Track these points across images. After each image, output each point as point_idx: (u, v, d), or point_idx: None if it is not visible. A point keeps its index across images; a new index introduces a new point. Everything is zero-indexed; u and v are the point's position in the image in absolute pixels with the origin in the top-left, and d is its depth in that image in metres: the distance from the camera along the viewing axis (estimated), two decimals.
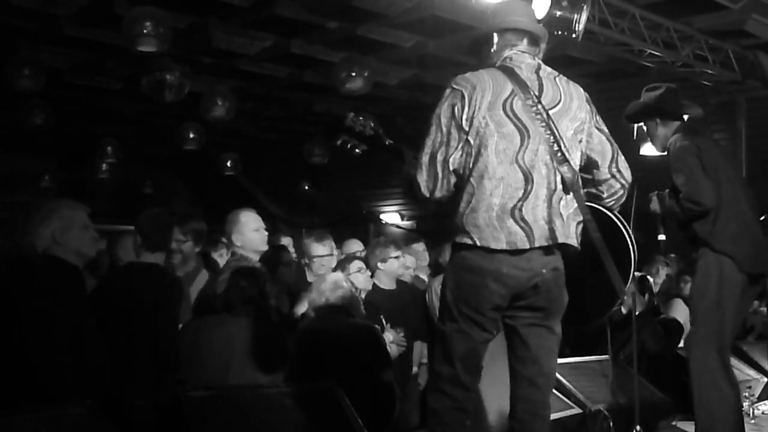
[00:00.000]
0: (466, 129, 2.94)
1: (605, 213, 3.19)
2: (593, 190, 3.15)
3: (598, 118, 3.13)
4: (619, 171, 3.13)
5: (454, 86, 3.00)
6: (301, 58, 8.07)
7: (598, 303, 3.19)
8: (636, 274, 5.40)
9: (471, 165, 2.93)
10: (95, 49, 7.67)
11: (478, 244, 2.86)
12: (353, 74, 7.42)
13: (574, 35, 5.84)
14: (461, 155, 2.95)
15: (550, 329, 2.96)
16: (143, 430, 3.71)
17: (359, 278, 5.01)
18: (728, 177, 4.29)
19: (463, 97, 2.96)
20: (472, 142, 2.93)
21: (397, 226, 12.17)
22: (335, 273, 4.76)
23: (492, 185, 2.88)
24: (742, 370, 6.13)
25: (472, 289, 2.90)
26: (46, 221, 3.58)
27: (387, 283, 5.34)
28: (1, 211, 10.09)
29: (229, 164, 12.03)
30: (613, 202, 3.18)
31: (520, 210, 2.86)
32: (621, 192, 3.17)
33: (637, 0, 6.47)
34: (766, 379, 6.24)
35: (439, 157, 2.97)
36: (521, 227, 2.85)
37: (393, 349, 4.77)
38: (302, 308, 4.85)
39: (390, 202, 13.09)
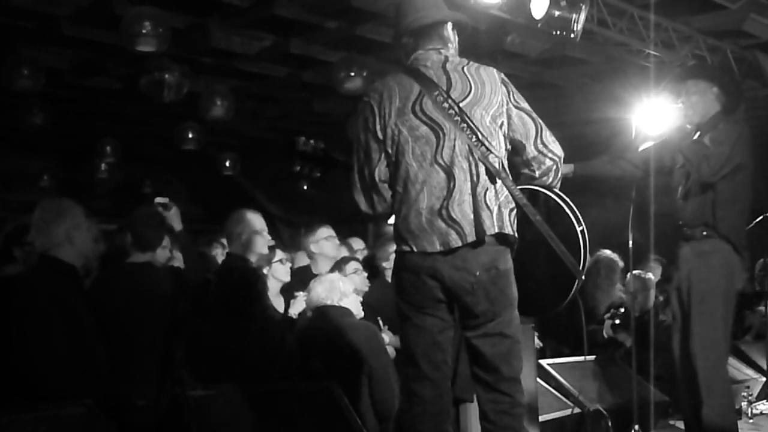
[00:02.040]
0: (382, 139, 2.95)
1: (544, 193, 3.14)
2: (527, 171, 3.11)
3: (515, 96, 3.06)
4: (545, 146, 3.06)
5: (364, 98, 3.02)
6: (300, 58, 8.05)
7: (556, 289, 3.15)
8: (636, 273, 5.41)
9: (395, 173, 2.94)
10: (95, 49, 7.66)
11: (415, 249, 2.89)
12: (352, 74, 7.42)
13: (572, 35, 5.83)
14: (386, 166, 2.97)
15: (501, 335, 2.93)
16: (143, 430, 3.72)
17: (356, 279, 5.02)
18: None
19: (372, 108, 2.97)
20: (390, 151, 2.95)
21: None
22: (332, 273, 4.77)
23: (416, 190, 2.89)
24: (741, 370, 6.14)
25: (411, 286, 2.92)
26: (58, 221, 3.57)
27: None
28: (0, 210, 10.10)
29: (228, 164, 12.01)
30: (548, 180, 3.12)
31: (447, 209, 2.86)
32: (553, 167, 3.09)
33: (635, 0, 6.47)
34: (764, 379, 6.24)
35: (366, 173, 2.99)
36: (451, 226, 2.85)
37: (391, 351, 4.78)
38: (298, 308, 4.86)
39: None
